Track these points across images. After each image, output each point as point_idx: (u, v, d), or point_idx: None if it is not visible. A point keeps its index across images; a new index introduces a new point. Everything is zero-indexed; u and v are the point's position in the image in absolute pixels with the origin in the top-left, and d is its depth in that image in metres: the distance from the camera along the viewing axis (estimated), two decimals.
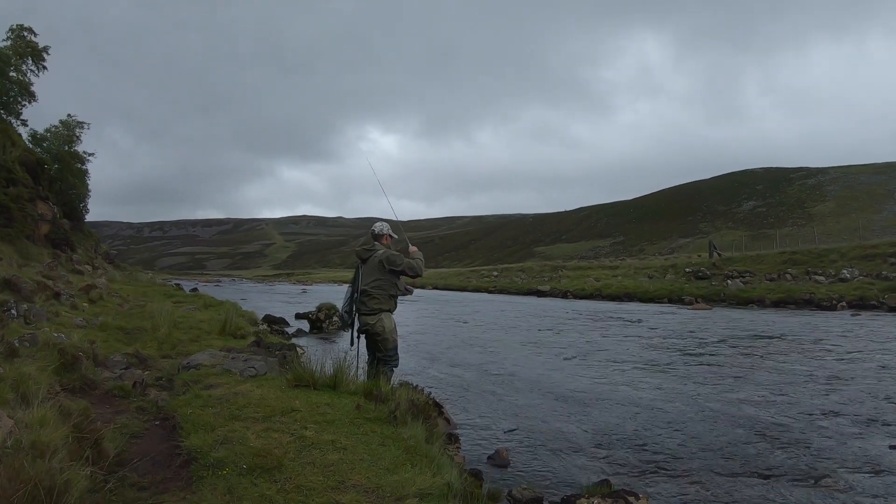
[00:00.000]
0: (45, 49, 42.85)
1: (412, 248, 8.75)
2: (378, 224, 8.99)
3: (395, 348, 8.45)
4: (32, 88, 42.24)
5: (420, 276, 8.48)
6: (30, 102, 42.62)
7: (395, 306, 8.59)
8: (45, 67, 42.99)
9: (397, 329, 8.62)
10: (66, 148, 50.89)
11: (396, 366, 8.57)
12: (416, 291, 8.99)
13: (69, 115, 52.73)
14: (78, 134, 52.46)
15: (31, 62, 42.16)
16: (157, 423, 6.32)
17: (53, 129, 50.77)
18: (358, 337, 8.44)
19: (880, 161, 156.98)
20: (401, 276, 8.59)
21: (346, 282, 9.07)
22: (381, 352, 8.33)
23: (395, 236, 9.07)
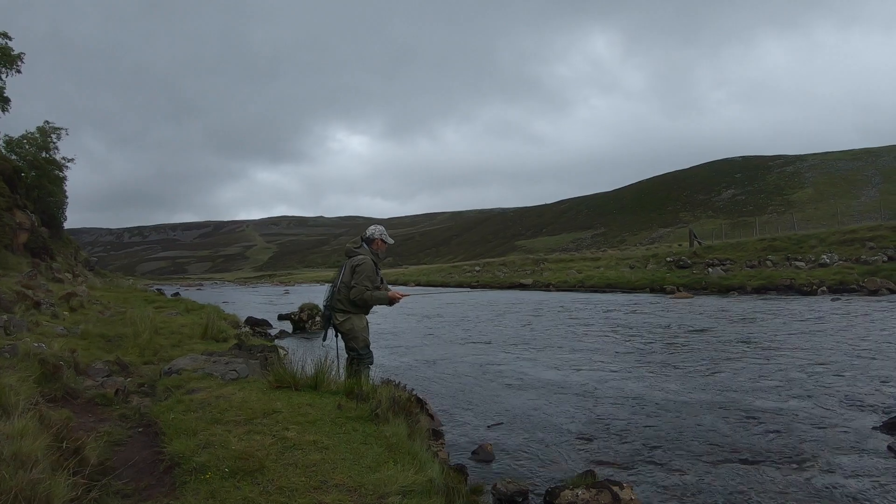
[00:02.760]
0: (20, 56, 41.90)
1: (392, 293, 8.59)
2: (372, 227, 8.78)
3: (367, 346, 8.39)
4: (6, 94, 41.41)
5: (357, 303, 8.23)
6: (4, 111, 41.79)
7: (368, 309, 8.52)
8: (19, 71, 42.07)
9: (369, 327, 8.57)
10: (43, 155, 50.33)
11: (371, 363, 8.50)
12: (398, 288, 8.79)
13: (46, 121, 52.13)
14: (54, 140, 51.91)
15: (4, 68, 41.18)
16: (139, 429, 6.30)
17: (29, 136, 50.14)
18: (336, 336, 8.43)
19: (857, 147, 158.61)
20: (382, 281, 8.54)
21: (328, 281, 9.01)
22: (353, 350, 8.31)
23: (391, 241, 8.93)
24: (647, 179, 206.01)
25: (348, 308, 8.24)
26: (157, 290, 45.95)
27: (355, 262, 8.27)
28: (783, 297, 30.88)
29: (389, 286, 8.76)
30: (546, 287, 49.50)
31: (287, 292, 65.31)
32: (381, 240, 8.69)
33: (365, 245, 8.58)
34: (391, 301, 8.41)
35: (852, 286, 30.91)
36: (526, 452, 7.77)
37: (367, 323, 8.52)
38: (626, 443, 8.04)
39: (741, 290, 34.94)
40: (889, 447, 7.34)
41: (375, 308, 8.76)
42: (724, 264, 42.60)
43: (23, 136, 49.77)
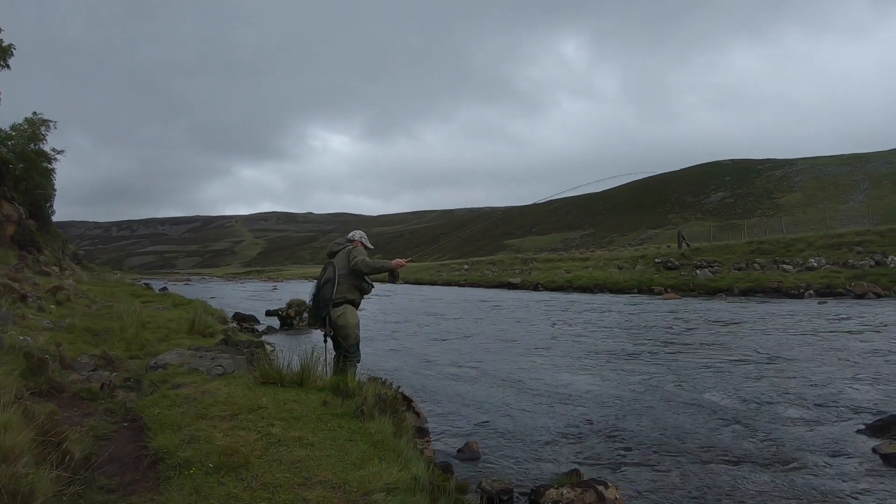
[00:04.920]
0: (11, 48, 41.40)
1: (396, 260, 8.76)
2: (353, 231, 9.11)
3: (357, 344, 8.45)
4: None
5: (361, 270, 8.34)
6: None
7: (360, 299, 8.62)
8: (7, 66, 41.59)
9: (360, 325, 8.63)
10: (32, 147, 49.85)
11: (359, 361, 8.56)
12: (387, 286, 8.95)
13: (35, 112, 51.63)
14: (44, 132, 51.45)
15: None
16: (125, 424, 6.28)
17: (18, 128, 49.66)
18: (328, 334, 8.47)
19: (846, 153, 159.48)
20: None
21: (316, 278, 9.03)
22: (342, 347, 8.36)
23: (371, 247, 9.12)
24: (637, 181, 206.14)
25: (346, 296, 8.32)
26: (145, 284, 45.75)
27: (348, 248, 8.59)
28: (770, 299, 31.00)
29: (374, 284, 8.88)
30: (534, 287, 49.49)
31: (275, 288, 65.17)
32: (361, 241, 8.99)
33: (349, 244, 8.76)
34: (394, 269, 8.58)
35: (839, 290, 31.07)
36: (511, 451, 7.79)
37: (359, 320, 8.58)
38: (611, 442, 8.06)
39: (729, 292, 35.07)
40: (874, 449, 7.37)
41: (363, 305, 8.81)
42: (712, 266, 42.74)
43: (11, 128, 49.29)
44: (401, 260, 8.72)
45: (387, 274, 8.80)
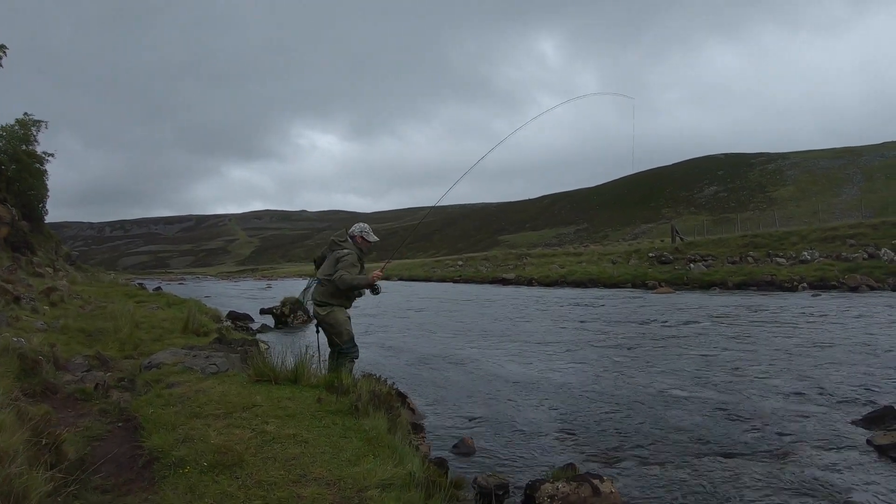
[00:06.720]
0: (3, 48, 40.90)
1: (374, 273, 8.64)
2: (356, 225, 8.94)
3: (352, 339, 8.41)
4: None
5: (339, 286, 8.14)
6: None
7: (349, 302, 8.55)
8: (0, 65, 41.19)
9: (351, 320, 8.57)
10: (24, 148, 49.58)
11: (357, 357, 8.53)
12: (382, 283, 8.69)
13: (25, 113, 51.36)
14: (35, 133, 51.18)
15: None
16: (119, 424, 6.28)
17: (9, 129, 49.40)
18: (318, 330, 8.46)
19: (839, 146, 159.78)
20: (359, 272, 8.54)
21: (310, 276, 9.04)
22: (337, 344, 8.33)
23: (374, 240, 8.98)
24: (630, 175, 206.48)
25: (330, 300, 8.26)
26: (139, 284, 45.63)
27: (339, 254, 8.37)
28: (764, 293, 31.05)
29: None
30: (528, 282, 49.46)
31: (269, 287, 65.05)
32: (362, 236, 8.79)
33: (349, 240, 8.65)
34: (372, 283, 8.41)
35: (833, 283, 31.10)
36: (507, 446, 7.80)
37: (349, 316, 8.54)
38: (607, 437, 8.07)
39: (723, 285, 35.07)
40: (868, 441, 7.41)
41: (357, 302, 8.79)
42: (705, 260, 42.79)
43: (3, 129, 49.03)
44: (377, 272, 8.63)
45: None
